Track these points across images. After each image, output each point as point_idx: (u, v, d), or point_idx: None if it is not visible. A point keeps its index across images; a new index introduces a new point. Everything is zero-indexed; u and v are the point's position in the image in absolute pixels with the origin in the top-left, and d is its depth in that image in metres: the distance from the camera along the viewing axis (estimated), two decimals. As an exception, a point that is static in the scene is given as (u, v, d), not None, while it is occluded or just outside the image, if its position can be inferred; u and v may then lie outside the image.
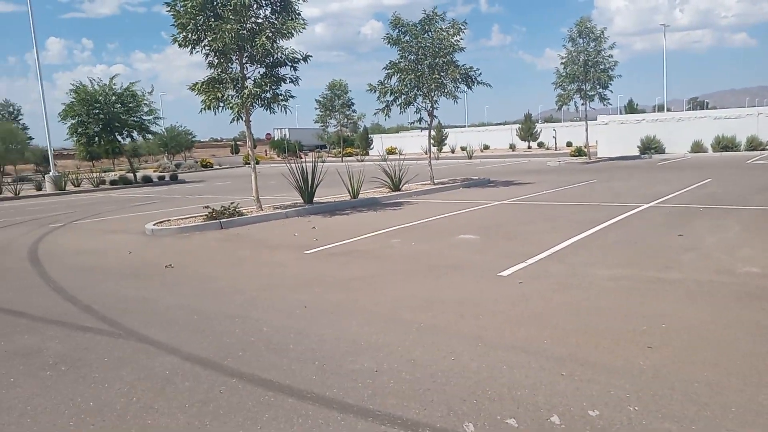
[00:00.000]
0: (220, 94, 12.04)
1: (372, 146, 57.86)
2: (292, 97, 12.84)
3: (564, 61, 26.98)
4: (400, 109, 17.38)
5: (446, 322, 4.90)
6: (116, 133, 28.88)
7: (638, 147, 30.80)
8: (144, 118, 29.24)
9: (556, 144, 51.54)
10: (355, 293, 6.02)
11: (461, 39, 16.84)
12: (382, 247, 8.49)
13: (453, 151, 53.47)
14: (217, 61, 12.10)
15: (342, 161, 40.70)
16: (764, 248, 7.12)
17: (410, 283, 6.30)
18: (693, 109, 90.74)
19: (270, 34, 11.73)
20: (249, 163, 13.72)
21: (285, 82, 12.61)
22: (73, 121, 27.74)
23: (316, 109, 45.53)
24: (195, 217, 12.29)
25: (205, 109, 12.12)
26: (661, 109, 68.98)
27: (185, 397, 3.70)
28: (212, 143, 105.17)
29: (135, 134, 30.01)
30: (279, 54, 12.29)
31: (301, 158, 18.03)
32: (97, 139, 28.80)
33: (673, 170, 20.63)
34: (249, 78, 12.40)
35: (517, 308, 5.16)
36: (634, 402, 3.30)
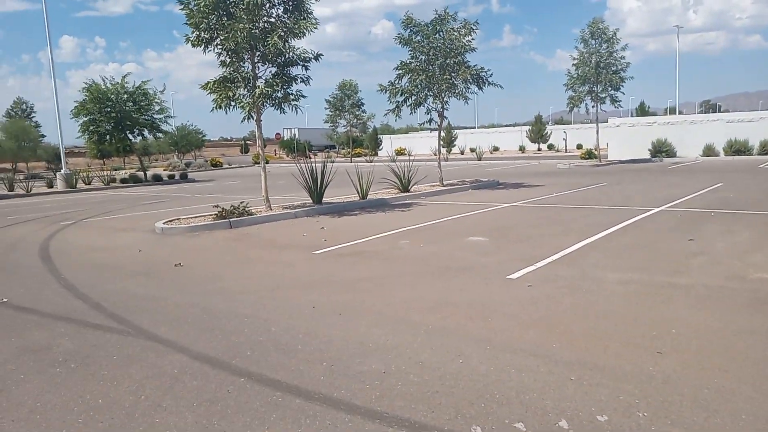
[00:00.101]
0: (231, 93, 12.09)
1: (381, 147, 57.90)
2: (303, 96, 12.87)
3: (576, 62, 26.86)
4: (411, 109, 17.36)
5: (455, 324, 4.89)
6: (127, 132, 29.04)
7: (649, 150, 30.61)
8: (155, 116, 29.42)
9: (566, 146, 51.35)
10: (363, 294, 6.02)
11: (473, 39, 16.80)
12: (390, 249, 8.48)
13: (462, 153, 53.41)
14: (229, 60, 12.15)
15: (351, 161, 40.77)
16: (777, 254, 7.04)
17: (419, 285, 6.29)
18: (705, 112, 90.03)
19: (282, 34, 11.76)
20: (258, 163, 13.77)
21: (296, 82, 12.65)
22: (85, 119, 27.97)
23: (325, 109, 45.60)
24: (205, 216, 12.35)
25: (216, 107, 12.18)
26: (672, 111, 68.57)
27: (193, 395, 3.72)
28: (222, 143, 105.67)
29: (146, 133, 30.19)
30: (291, 54, 12.33)
31: (310, 158, 18.06)
32: (108, 137, 28.98)
33: (685, 174, 20.48)
34: (260, 77, 12.45)
35: (526, 311, 5.14)
36: (643, 408, 3.27)
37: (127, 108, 28.06)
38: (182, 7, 11.69)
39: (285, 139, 72.17)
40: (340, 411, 3.41)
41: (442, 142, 20.51)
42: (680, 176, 19.46)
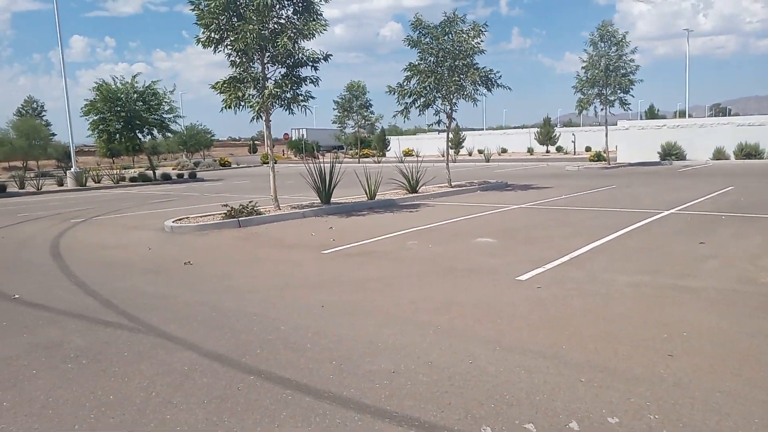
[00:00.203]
0: (241, 93, 12.14)
1: (389, 148, 57.91)
2: (312, 98, 12.91)
3: (585, 65, 26.76)
4: (419, 111, 17.36)
5: (464, 325, 4.88)
6: (137, 131, 29.25)
7: (658, 153, 30.43)
8: (164, 116, 29.60)
9: (574, 148, 51.17)
10: (372, 294, 6.03)
11: (482, 41, 16.79)
12: (399, 249, 8.49)
13: (470, 154, 53.31)
14: (239, 60, 12.20)
15: (359, 162, 40.83)
16: (788, 258, 6.99)
17: (427, 286, 6.29)
18: (715, 116, 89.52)
19: (292, 35, 11.79)
20: (267, 163, 13.83)
21: (305, 83, 12.68)
22: (95, 118, 28.18)
23: (333, 109, 45.75)
24: (214, 215, 12.40)
25: (226, 107, 12.23)
26: (682, 114, 68.18)
27: (203, 393, 3.73)
28: (230, 142, 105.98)
29: (155, 132, 30.38)
30: (300, 55, 12.36)
31: (318, 159, 18.11)
32: (118, 136, 29.19)
33: (695, 177, 20.37)
34: (270, 78, 12.50)
35: (535, 313, 5.13)
36: (654, 410, 3.26)
37: (137, 107, 28.26)
38: (193, 7, 11.76)
39: (293, 139, 72.41)
40: (349, 410, 3.42)
41: (450, 144, 20.48)
42: (690, 179, 19.35)
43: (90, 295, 6.39)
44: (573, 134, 53.83)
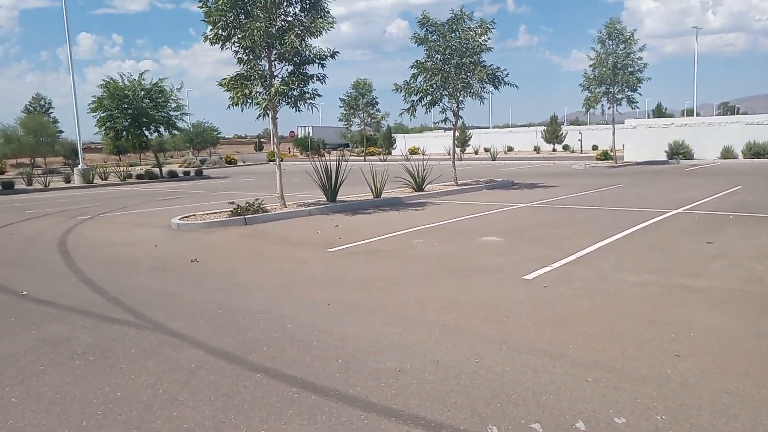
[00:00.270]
0: (248, 91, 12.16)
1: (395, 146, 57.90)
2: (319, 95, 12.92)
3: (592, 63, 26.66)
4: (426, 109, 17.35)
5: (470, 324, 4.88)
6: (144, 128, 29.36)
7: (666, 152, 30.30)
8: (171, 113, 29.69)
9: (581, 147, 51.00)
10: (377, 292, 6.03)
11: (489, 39, 16.74)
12: (404, 247, 8.48)
13: (476, 152, 53.22)
14: (246, 57, 12.22)
15: (365, 160, 40.82)
16: (797, 258, 6.94)
17: (433, 284, 6.28)
18: (723, 114, 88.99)
19: (299, 32, 11.80)
20: (273, 160, 13.87)
21: (312, 81, 12.69)
22: (102, 115, 28.29)
23: (340, 107, 45.77)
24: (220, 212, 12.43)
25: (233, 104, 12.26)
26: (690, 113, 67.79)
27: (210, 390, 3.74)
28: (236, 140, 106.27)
29: (162, 129, 30.47)
30: (307, 52, 12.37)
31: (324, 156, 18.12)
32: (125, 133, 29.33)
33: (702, 176, 20.26)
34: (277, 76, 12.51)
35: (541, 312, 5.11)
36: (662, 411, 3.24)
37: (144, 105, 28.36)
38: (201, 4, 11.79)
39: (299, 137, 72.44)
40: (355, 408, 3.42)
41: (456, 142, 20.44)
42: (698, 178, 19.25)
43: (97, 292, 6.42)
44: (580, 133, 53.65)
